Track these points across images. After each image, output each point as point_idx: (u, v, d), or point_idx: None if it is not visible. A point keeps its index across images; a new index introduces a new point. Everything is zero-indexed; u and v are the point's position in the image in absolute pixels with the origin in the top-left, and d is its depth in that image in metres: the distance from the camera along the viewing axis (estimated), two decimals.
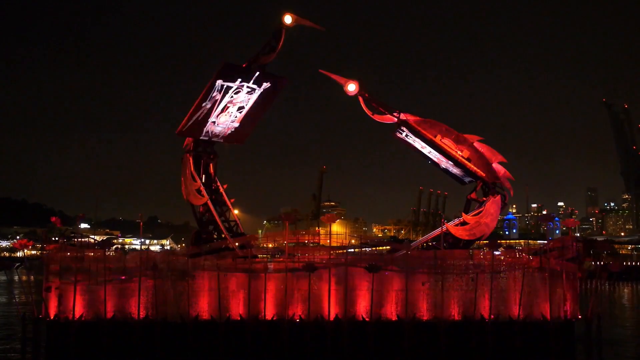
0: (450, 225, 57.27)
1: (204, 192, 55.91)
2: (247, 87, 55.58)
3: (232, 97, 55.57)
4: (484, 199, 57.02)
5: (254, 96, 56.58)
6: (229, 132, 58.15)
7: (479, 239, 56.55)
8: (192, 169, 56.76)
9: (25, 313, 51.63)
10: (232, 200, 59.14)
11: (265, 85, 56.22)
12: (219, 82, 54.08)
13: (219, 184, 58.77)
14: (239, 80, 54.83)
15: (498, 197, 56.52)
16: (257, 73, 55.37)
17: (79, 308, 48.82)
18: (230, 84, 54.51)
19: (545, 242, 59.15)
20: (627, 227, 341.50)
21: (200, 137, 57.14)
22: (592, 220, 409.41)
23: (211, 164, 58.78)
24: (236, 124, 57.82)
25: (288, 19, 55.62)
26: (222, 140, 58.81)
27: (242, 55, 58.30)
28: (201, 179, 57.05)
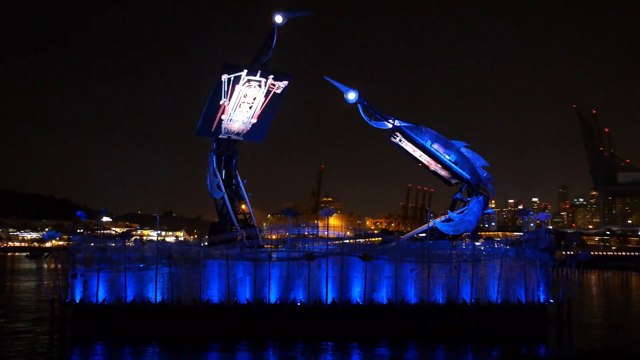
0: (438, 222, 57.33)
1: (222, 187, 55.81)
2: (254, 80, 54.78)
3: (242, 92, 54.67)
4: (469, 198, 57.06)
5: (263, 91, 55.56)
6: (248, 129, 57.07)
7: (464, 234, 56.54)
8: (214, 166, 56.68)
9: (53, 298, 51.64)
10: (250, 194, 58.74)
11: (271, 79, 55.33)
12: (224, 77, 53.58)
13: (239, 179, 58.47)
14: (246, 71, 54.16)
15: (481, 198, 56.60)
16: (260, 71, 55.07)
17: (101, 293, 48.89)
18: (237, 74, 53.69)
19: (521, 233, 59.14)
20: (594, 220, 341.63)
21: (220, 136, 56.63)
22: (563, 215, 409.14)
23: (232, 162, 58.26)
24: (254, 120, 56.75)
25: (278, 19, 55.25)
26: (242, 139, 57.91)
27: (244, 55, 57.44)
28: (222, 176, 56.88)
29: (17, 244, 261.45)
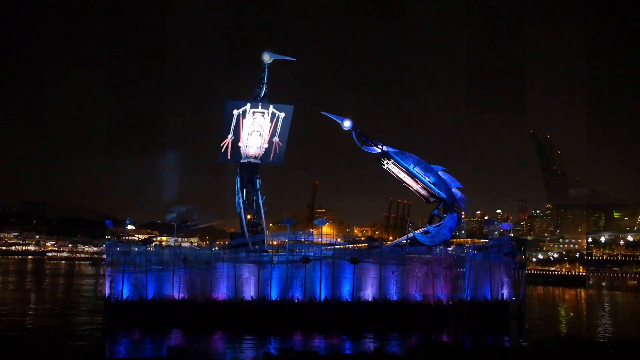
0: (417, 233, 57.25)
1: (240, 204, 55.76)
2: (257, 112, 54.63)
3: (250, 123, 54.47)
4: (444, 215, 57.04)
5: (268, 119, 55.26)
6: (263, 153, 56.18)
7: (439, 244, 56.38)
8: (238, 186, 56.54)
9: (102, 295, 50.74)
10: (265, 209, 57.89)
11: (273, 108, 54.97)
12: (235, 111, 53.69)
13: (259, 196, 57.75)
14: (249, 104, 54.17)
15: (454, 215, 56.56)
16: (261, 103, 55.06)
17: (126, 291, 48.49)
18: (244, 109, 53.82)
19: (487, 240, 59.19)
20: (549, 229, 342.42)
21: (241, 161, 56.13)
22: (523, 224, 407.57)
23: (252, 182, 57.35)
24: (266, 145, 56.00)
25: (267, 57, 54.86)
26: (260, 162, 56.97)
27: (246, 87, 57.09)
28: (243, 194, 56.64)
29: (82, 255, 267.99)
